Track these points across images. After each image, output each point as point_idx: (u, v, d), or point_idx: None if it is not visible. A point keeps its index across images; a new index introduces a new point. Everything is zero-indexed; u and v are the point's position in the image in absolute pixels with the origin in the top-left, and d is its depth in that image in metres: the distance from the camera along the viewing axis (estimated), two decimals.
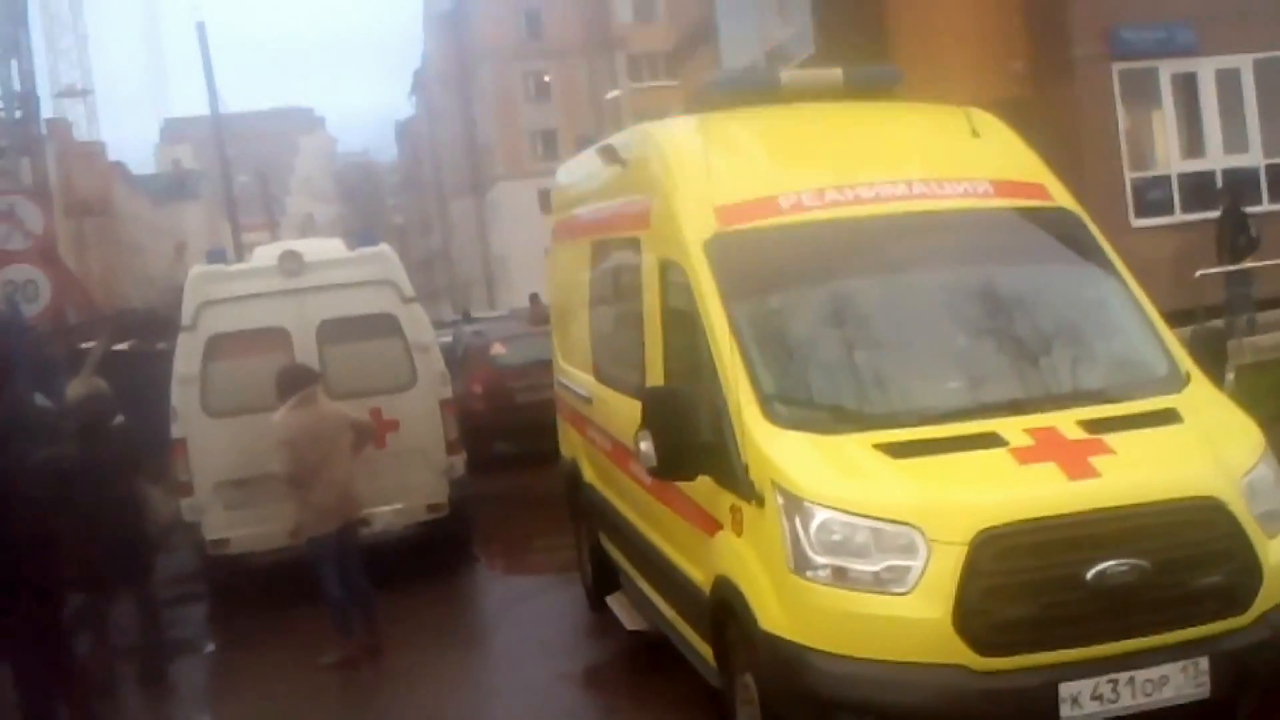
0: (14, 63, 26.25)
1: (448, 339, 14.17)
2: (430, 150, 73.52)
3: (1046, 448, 4.03)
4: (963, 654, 3.74)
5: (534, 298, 19.29)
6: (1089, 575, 3.75)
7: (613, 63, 52.75)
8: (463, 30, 59.69)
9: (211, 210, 76.08)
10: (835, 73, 5.75)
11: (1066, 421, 4.15)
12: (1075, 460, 3.98)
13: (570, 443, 7.55)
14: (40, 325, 10.61)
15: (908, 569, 3.81)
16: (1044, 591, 3.78)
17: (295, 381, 6.94)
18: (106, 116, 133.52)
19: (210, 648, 7.82)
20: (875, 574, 3.84)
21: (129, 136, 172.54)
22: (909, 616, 3.78)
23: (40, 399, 7.74)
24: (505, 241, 54.60)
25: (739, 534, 4.30)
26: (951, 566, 3.75)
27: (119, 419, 6.94)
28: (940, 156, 5.31)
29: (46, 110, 41.03)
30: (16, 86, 26.47)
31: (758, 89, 5.83)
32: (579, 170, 7.52)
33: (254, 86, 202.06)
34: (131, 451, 6.93)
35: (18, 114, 26.63)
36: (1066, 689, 3.75)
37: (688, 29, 28.45)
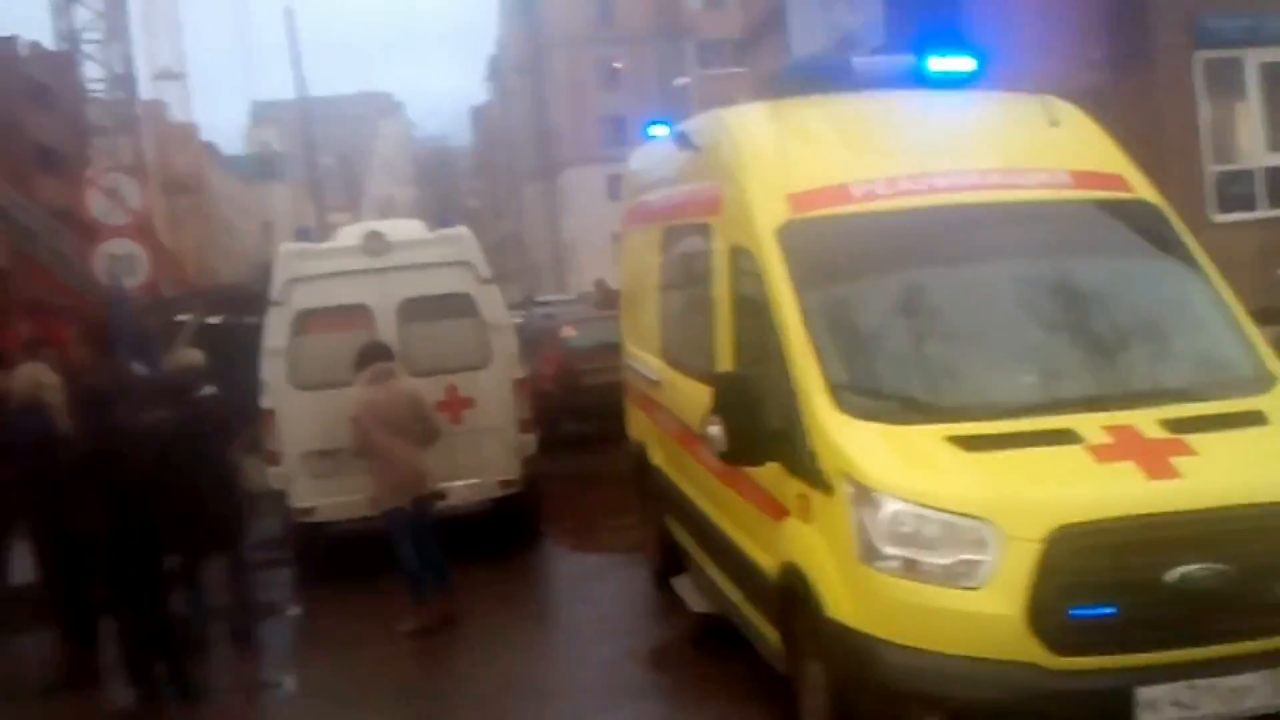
0: (116, 47, 27.45)
1: (519, 320, 14.33)
2: (503, 135, 74.09)
3: (1125, 446, 3.97)
4: (1036, 652, 3.71)
5: (599, 282, 19.40)
6: (1169, 578, 3.68)
7: (682, 50, 52.59)
8: (536, 17, 59.97)
9: (296, 191, 77.98)
10: (910, 60, 5.71)
11: (1146, 420, 4.08)
12: (1155, 460, 3.91)
13: (638, 425, 7.62)
14: (138, 297, 11.02)
15: (979, 564, 3.78)
16: (1122, 592, 3.72)
17: (366, 357, 7.14)
18: (200, 99, 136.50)
19: (295, 610, 8.09)
20: (946, 567, 3.82)
21: (220, 118, 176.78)
22: (981, 612, 3.75)
23: (138, 367, 8.07)
24: (574, 226, 54.84)
25: (807, 521, 4.32)
26: (1026, 563, 3.72)
27: (209, 389, 7.19)
28: (1017, 146, 5.24)
29: (144, 92, 42.59)
30: (118, 70, 27.65)
31: (831, 76, 5.81)
32: (651, 156, 7.56)
33: (337, 71, 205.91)
34: (222, 420, 7.20)
35: (119, 95, 27.81)
36: (1144, 693, 3.69)
37: (757, 16, 28.27)
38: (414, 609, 7.05)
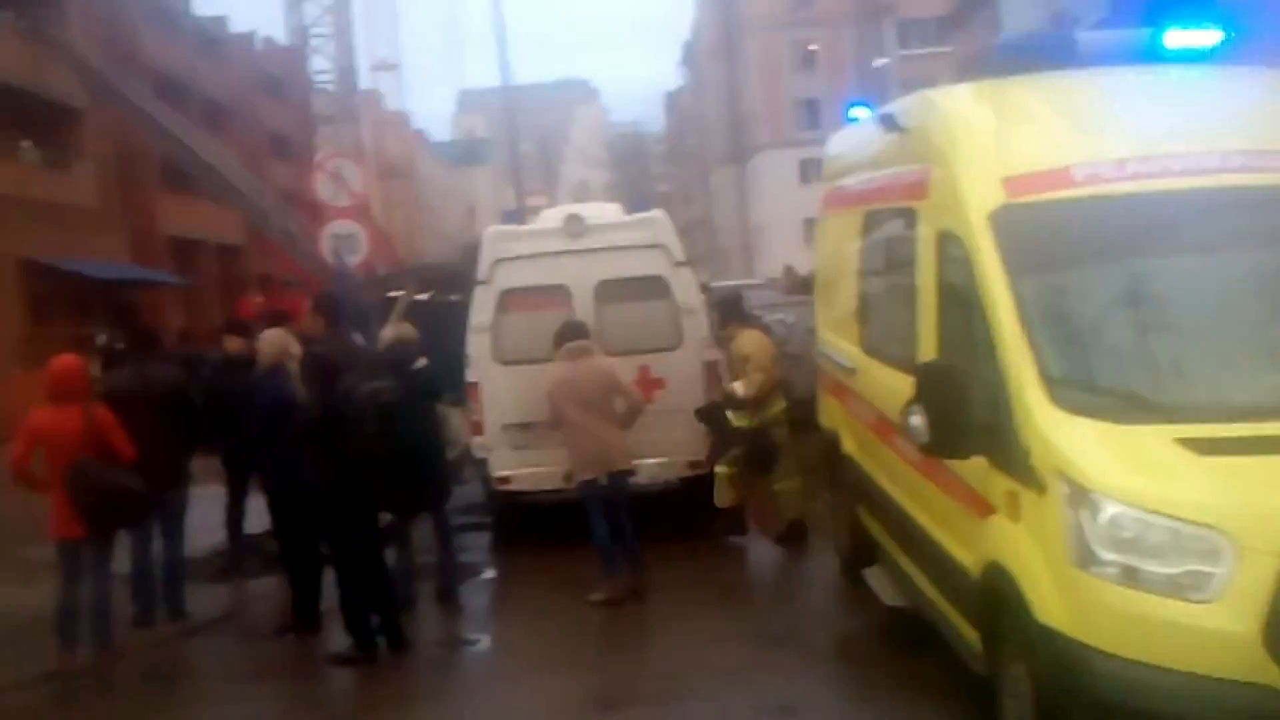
0: (340, 40, 29.82)
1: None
2: (695, 120, 74.48)
3: None
4: (1274, 674, 3.43)
5: (788, 268, 19.19)
6: None
7: (880, 30, 51.19)
8: (733, 1, 59.77)
9: (498, 175, 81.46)
10: (1145, 33, 5.32)
11: None
12: None
13: (830, 413, 7.50)
14: (357, 274, 11.86)
15: (1210, 576, 3.53)
16: None
17: (564, 335, 7.43)
18: (411, 88, 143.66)
19: (491, 574, 8.48)
20: (1171, 577, 3.58)
21: (429, 106, 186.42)
22: (1211, 627, 3.50)
23: (358, 339, 8.65)
24: (764, 211, 54.51)
25: (1015, 520, 4.13)
26: (1266, 578, 3.44)
27: (422, 361, 7.61)
28: (1269, 126, 4.78)
29: (363, 83, 45.53)
30: (342, 62, 30.03)
31: (1052, 53, 5.48)
32: (852, 139, 7.40)
33: (538, 60, 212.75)
34: (433, 391, 7.62)
35: (342, 86, 30.21)
36: None
37: None
38: (603, 581, 7.24)
